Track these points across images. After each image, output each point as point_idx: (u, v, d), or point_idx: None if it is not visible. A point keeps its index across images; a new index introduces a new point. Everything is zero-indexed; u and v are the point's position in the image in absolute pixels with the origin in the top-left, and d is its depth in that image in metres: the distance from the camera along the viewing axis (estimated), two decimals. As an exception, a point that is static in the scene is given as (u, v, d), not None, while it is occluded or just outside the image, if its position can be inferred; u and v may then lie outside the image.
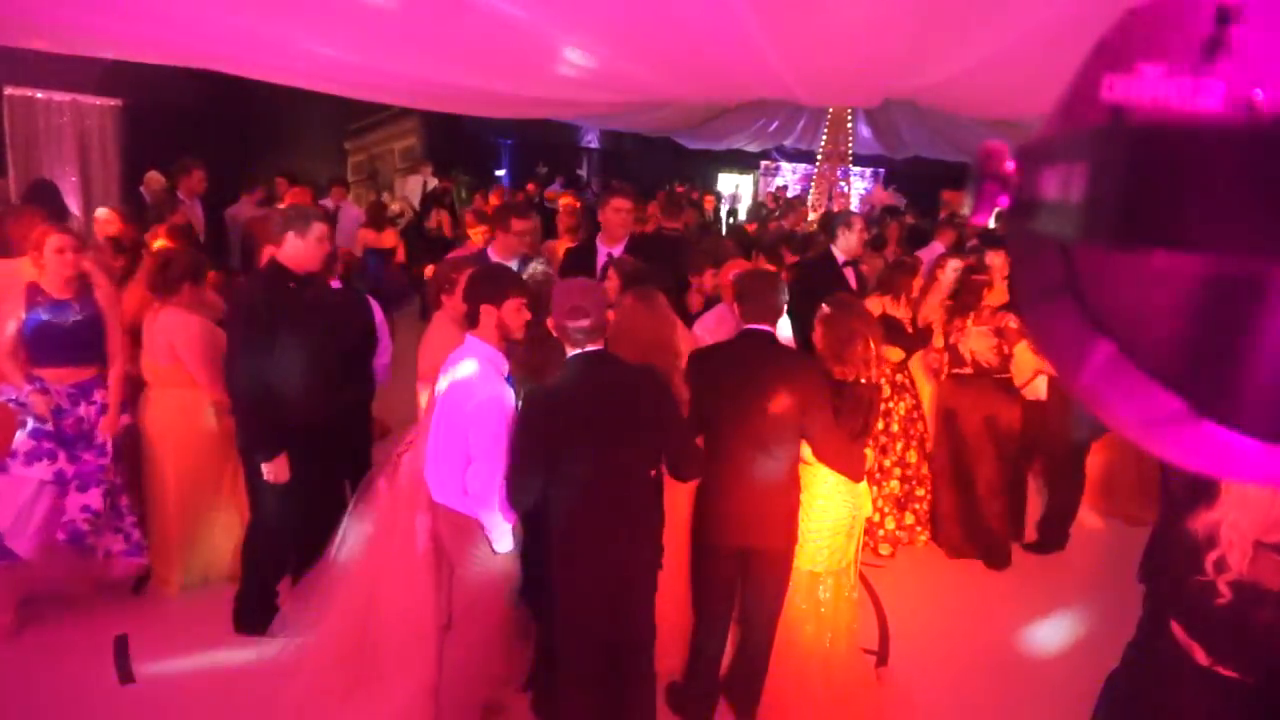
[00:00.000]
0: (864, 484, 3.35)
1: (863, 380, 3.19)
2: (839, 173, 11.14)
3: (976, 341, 4.55)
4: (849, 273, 5.07)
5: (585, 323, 2.59)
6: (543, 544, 2.78)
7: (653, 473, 2.84)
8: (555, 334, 2.69)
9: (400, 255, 9.05)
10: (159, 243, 4.72)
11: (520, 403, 2.70)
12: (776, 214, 10.50)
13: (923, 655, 3.83)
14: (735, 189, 17.55)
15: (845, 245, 5.12)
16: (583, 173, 17.41)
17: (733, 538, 3.07)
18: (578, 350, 2.65)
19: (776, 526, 3.07)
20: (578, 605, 2.74)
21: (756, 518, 3.03)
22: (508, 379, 2.81)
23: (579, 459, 2.61)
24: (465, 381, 2.71)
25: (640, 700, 2.87)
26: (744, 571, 3.15)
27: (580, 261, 4.27)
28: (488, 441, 2.65)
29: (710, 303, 4.29)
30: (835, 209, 10.01)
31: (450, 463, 2.75)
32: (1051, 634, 4.03)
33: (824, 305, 3.31)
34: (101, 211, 5.19)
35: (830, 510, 3.22)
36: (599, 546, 2.69)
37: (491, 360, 2.77)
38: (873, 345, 3.19)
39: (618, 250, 4.45)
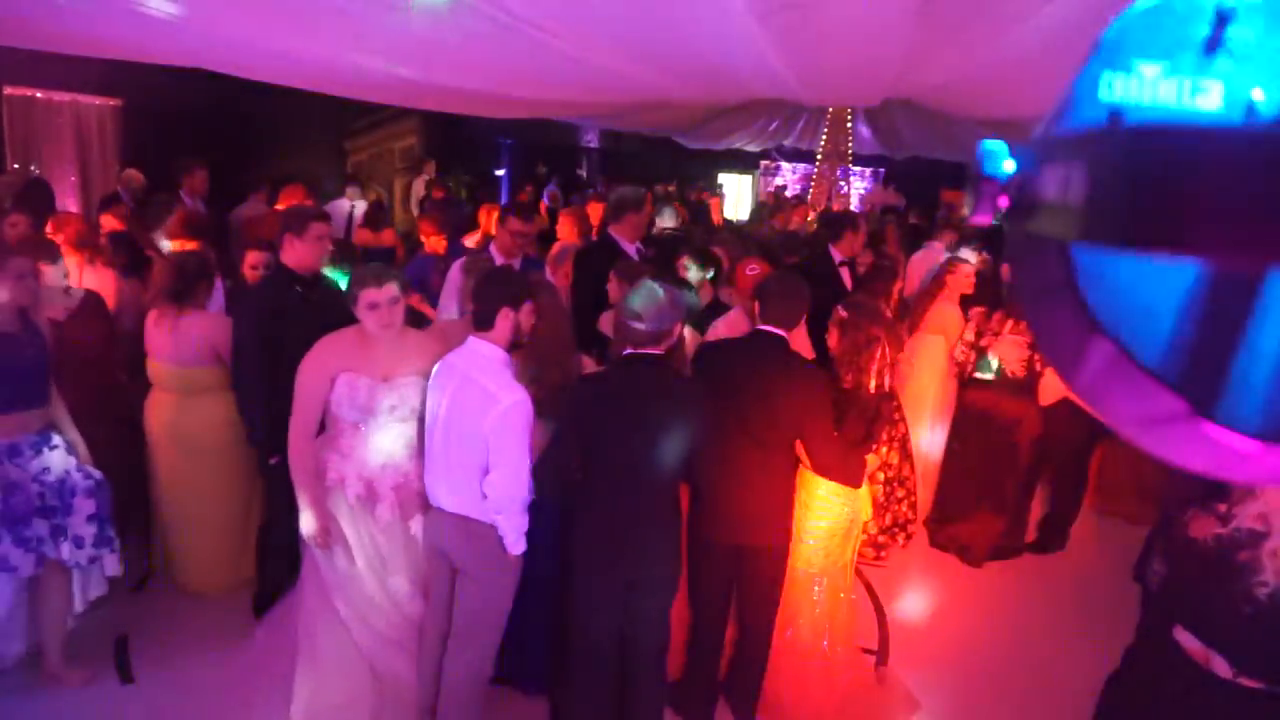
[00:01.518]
0: (864, 487, 3.35)
1: (872, 387, 3.18)
2: (839, 173, 11.13)
3: (1008, 349, 4.46)
4: (845, 272, 5.09)
5: (641, 326, 2.65)
6: (564, 542, 2.83)
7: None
8: (616, 330, 2.78)
9: (400, 255, 9.05)
10: (171, 244, 4.73)
11: (570, 391, 2.79)
12: (767, 214, 10.50)
13: (922, 655, 3.83)
14: (720, 189, 17.51)
15: (849, 246, 5.18)
16: (583, 173, 17.40)
17: (728, 534, 3.07)
18: (631, 350, 2.70)
19: (772, 524, 3.08)
20: (591, 606, 2.78)
21: (753, 515, 3.04)
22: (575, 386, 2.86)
23: (609, 457, 2.67)
24: (482, 385, 2.63)
25: (648, 707, 2.89)
26: (739, 569, 3.15)
27: (603, 258, 4.33)
28: (513, 446, 2.60)
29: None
30: (835, 208, 10.02)
31: (465, 470, 2.68)
32: (1051, 634, 4.03)
33: (842, 309, 3.31)
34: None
35: (828, 511, 3.22)
36: (616, 548, 2.71)
37: (507, 364, 2.72)
38: (888, 353, 3.18)
39: (639, 246, 4.74)
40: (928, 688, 3.57)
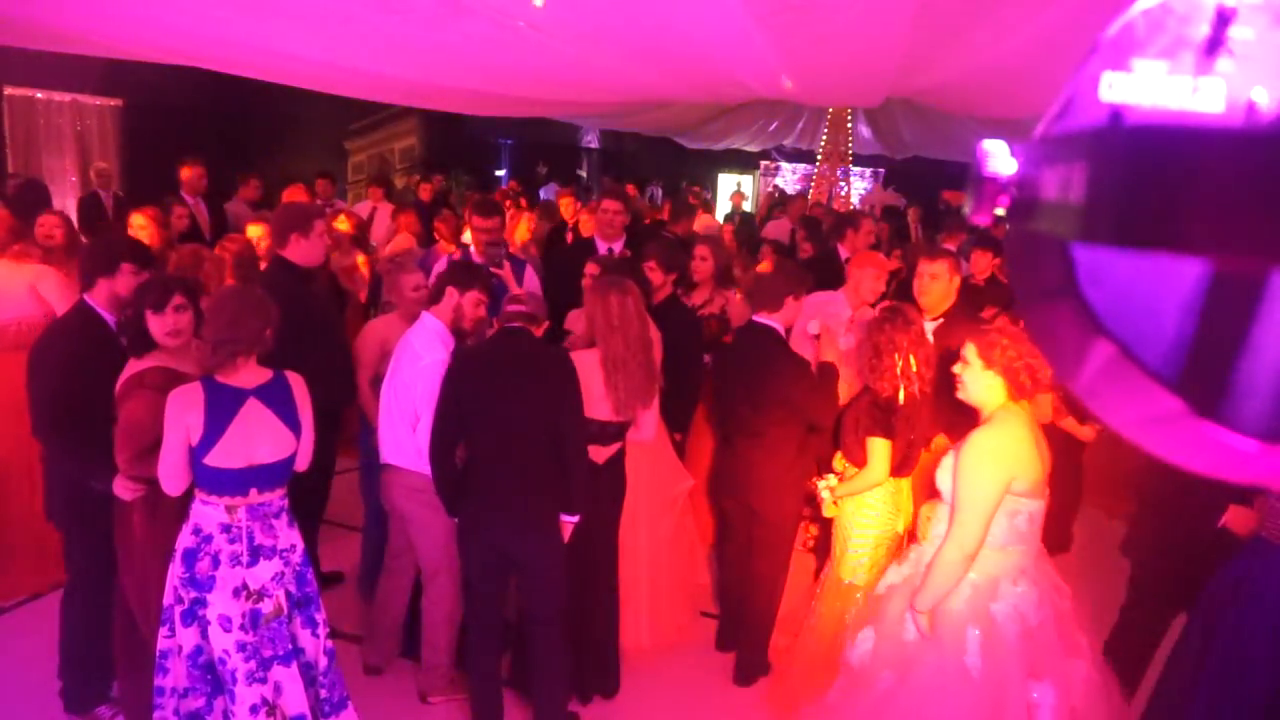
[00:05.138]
0: (908, 497, 3.36)
1: (901, 396, 3.16)
2: (839, 173, 11.14)
3: None
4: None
5: (521, 307, 2.90)
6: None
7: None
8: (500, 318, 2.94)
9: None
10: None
11: (448, 363, 3.00)
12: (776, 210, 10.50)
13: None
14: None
15: (851, 244, 5.25)
16: (583, 173, 17.40)
17: (731, 498, 3.54)
18: (507, 324, 2.90)
19: (769, 495, 3.39)
20: (475, 570, 2.99)
21: (754, 484, 3.39)
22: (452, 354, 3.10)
23: (484, 425, 2.84)
24: (413, 347, 3.10)
25: (547, 670, 3.02)
26: (750, 533, 3.50)
27: (579, 256, 4.38)
28: (434, 400, 2.96)
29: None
30: (835, 208, 10.02)
31: (400, 423, 3.10)
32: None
33: (876, 310, 3.37)
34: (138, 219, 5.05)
35: (875, 522, 3.22)
36: (491, 515, 2.88)
37: (439, 333, 3.13)
38: (900, 360, 3.13)
39: (618, 246, 4.73)
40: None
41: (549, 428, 2.85)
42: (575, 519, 3.00)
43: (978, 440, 2.52)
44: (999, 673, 2.44)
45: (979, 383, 2.61)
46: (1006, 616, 2.49)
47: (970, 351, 2.64)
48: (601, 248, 4.68)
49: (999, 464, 2.47)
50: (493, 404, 2.81)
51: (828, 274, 4.97)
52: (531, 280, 4.46)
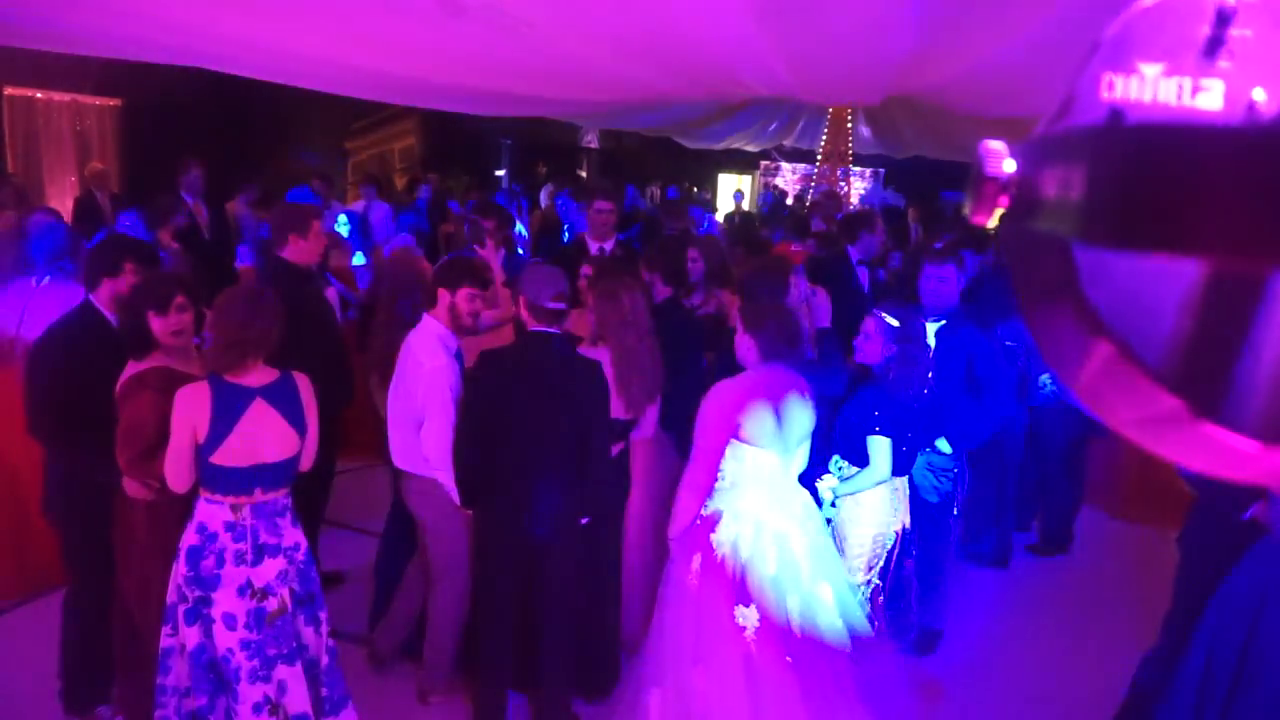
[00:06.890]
0: (905, 494, 3.36)
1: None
2: (839, 173, 11.13)
3: None
4: (864, 273, 5.13)
5: (550, 305, 2.85)
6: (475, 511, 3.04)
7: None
8: (526, 311, 2.89)
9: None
10: None
11: (475, 364, 2.97)
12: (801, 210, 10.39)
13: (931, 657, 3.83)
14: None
15: (866, 247, 5.17)
16: (583, 173, 17.39)
17: None
18: (540, 328, 2.87)
19: None
20: (498, 569, 2.97)
21: None
22: (457, 355, 3.11)
23: (514, 424, 2.85)
24: (415, 354, 3.08)
25: (557, 670, 3.03)
26: None
27: (571, 257, 4.44)
28: (435, 405, 2.98)
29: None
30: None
31: (406, 428, 3.11)
32: (1050, 636, 4.03)
33: (890, 319, 3.32)
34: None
35: (876, 520, 3.22)
36: (521, 514, 2.88)
37: (441, 337, 3.10)
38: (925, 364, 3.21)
39: (609, 246, 4.78)
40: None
41: (579, 433, 2.88)
42: (586, 520, 3.05)
43: (714, 390, 2.80)
44: (712, 592, 2.75)
45: (742, 344, 2.89)
46: (722, 546, 2.79)
47: (738, 319, 2.97)
48: (593, 247, 4.72)
49: (725, 412, 2.75)
50: (526, 408, 2.83)
51: (833, 276, 4.96)
52: None
